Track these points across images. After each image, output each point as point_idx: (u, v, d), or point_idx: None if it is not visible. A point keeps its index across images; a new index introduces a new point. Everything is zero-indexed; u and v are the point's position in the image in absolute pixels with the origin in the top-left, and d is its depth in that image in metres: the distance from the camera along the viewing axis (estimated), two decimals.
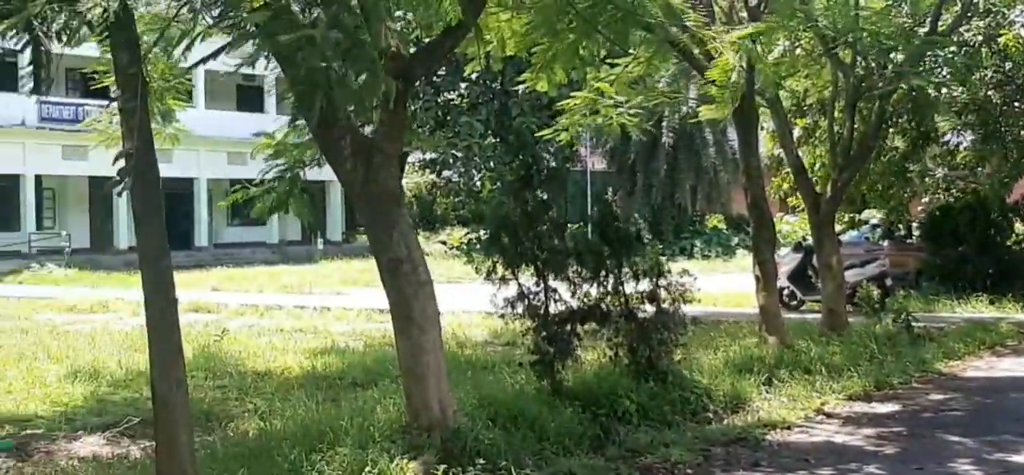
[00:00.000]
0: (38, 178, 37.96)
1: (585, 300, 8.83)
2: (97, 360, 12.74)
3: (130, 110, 5.35)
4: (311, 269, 33.31)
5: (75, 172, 37.66)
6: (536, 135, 11.08)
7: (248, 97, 42.63)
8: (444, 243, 42.72)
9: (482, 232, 40.65)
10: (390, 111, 6.67)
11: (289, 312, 19.31)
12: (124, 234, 39.10)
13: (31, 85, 5.84)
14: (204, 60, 5.76)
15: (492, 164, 41.79)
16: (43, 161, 36.75)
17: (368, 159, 6.81)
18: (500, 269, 8.38)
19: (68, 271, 32.16)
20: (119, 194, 5.45)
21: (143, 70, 5.74)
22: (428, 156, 43.25)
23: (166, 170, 6.66)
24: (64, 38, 5.40)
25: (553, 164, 9.33)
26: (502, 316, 8.71)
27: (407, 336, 7.23)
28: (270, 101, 38.55)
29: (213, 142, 39.16)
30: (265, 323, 17.57)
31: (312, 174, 8.26)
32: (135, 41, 5.50)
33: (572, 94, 12.62)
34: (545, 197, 8.33)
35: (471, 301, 17.57)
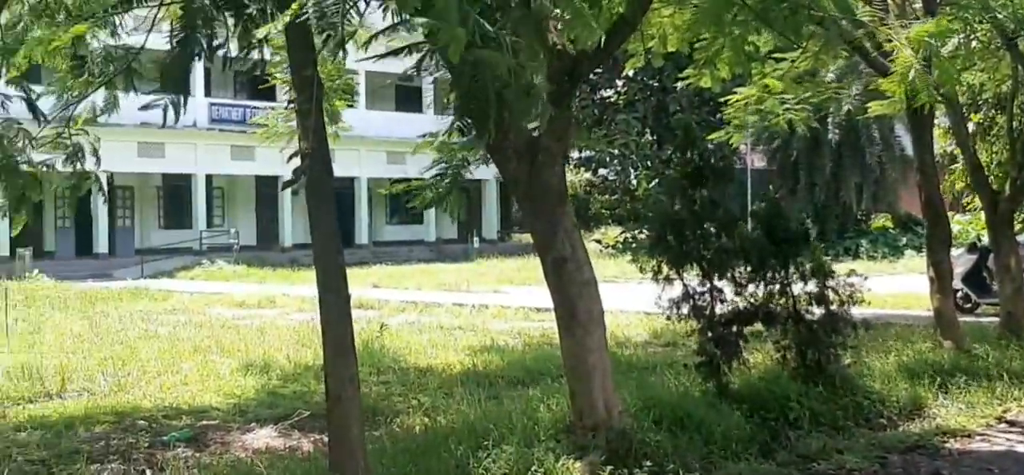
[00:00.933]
0: (209, 178, 39.71)
1: (751, 301, 8.64)
2: (267, 354, 13.23)
3: (306, 111, 5.50)
4: (467, 267, 33.78)
5: (243, 171, 39.26)
6: (705, 137, 10.91)
7: (407, 97, 43.55)
8: (599, 242, 42.63)
9: (638, 231, 40.50)
10: (556, 108, 6.68)
11: (448, 309, 19.62)
12: (289, 232, 40.52)
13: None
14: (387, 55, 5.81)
15: (649, 162, 41.49)
16: (213, 161, 38.42)
17: (533, 157, 6.83)
18: (665, 269, 8.28)
19: (236, 267, 33.55)
20: (295, 193, 5.63)
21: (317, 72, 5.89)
22: (584, 154, 43.26)
23: None
24: (244, 43, 5.58)
25: (721, 160, 9.13)
26: (667, 317, 8.61)
27: (571, 335, 7.22)
28: (429, 100, 39.31)
29: (373, 142, 40.16)
30: (425, 320, 17.90)
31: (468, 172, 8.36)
32: (311, 44, 5.65)
33: (736, 90, 12.37)
34: (713, 195, 8.19)
35: (628, 300, 17.47)
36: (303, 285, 26.04)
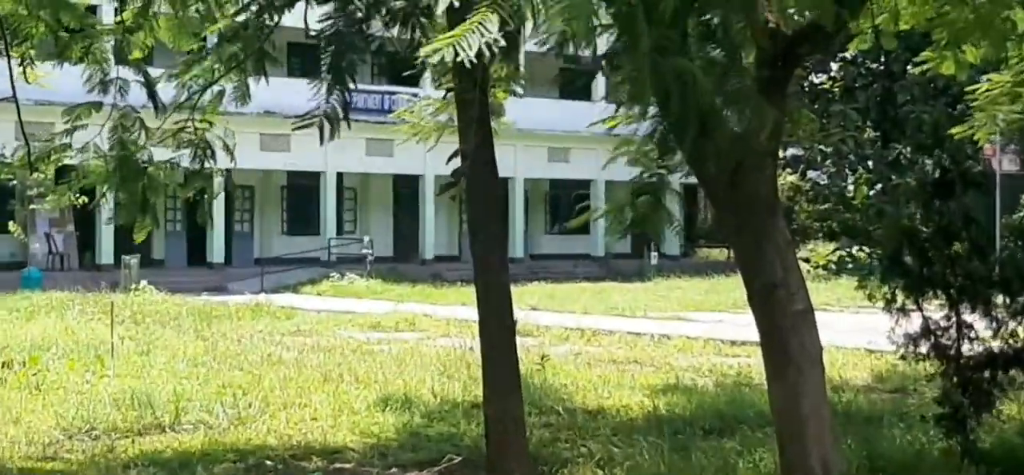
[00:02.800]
0: (339, 176, 40.77)
1: (1010, 340, 8.33)
2: (408, 385, 13.49)
3: (469, 101, 5.60)
4: (643, 288, 33.67)
5: (379, 170, 40.15)
6: (949, 133, 10.60)
7: (572, 82, 43.77)
8: (807, 261, 41.83)
9: (855, 248, 39.51)
10: (769, 99, 6.58)
11: (620, 339, 19.60)
12: (430, 242, 41.26)
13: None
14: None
15: (870, 164, 40.48)
16: (345, 157, 39.30)
17: (737, 159, 6.75)
18: (900, 297, 8.08)
19: (370, 282, 34.38)
20: (453, 197, 5.73)
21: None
22: (788, 152, 42.57)
23: None
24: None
25: (976, 166, 8.86)
26: (901, 356, 8.39)
27: (782, 377, 7.10)
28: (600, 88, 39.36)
29: (532, 136, 40.23)
30: (593, 351, 17.93)
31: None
32: None
33: (983, 77, 11.96)
34: (964, 207, 7.95)
35: (844, 334, 17.06)
36: (447, 305, 26.48)
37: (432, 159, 36.00)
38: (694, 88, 4.58)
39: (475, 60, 4.05)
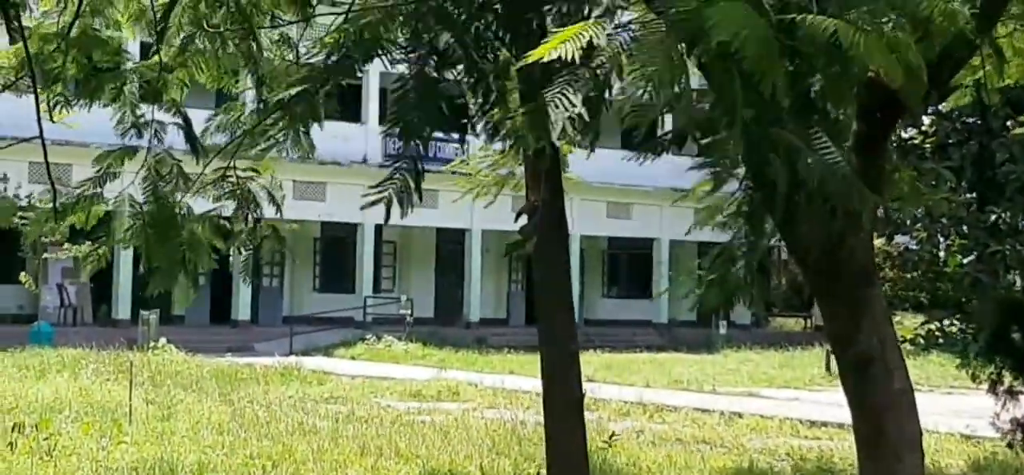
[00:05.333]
0: (378, 229, 40.92)
1: None
2: (453, 462, 13.52)
3: (537, 153, 5.66)
4: (711, 360, 33.53)
5: (421, 223, 40.26)
6: None
7: (635, 131, 43.83)
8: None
9: (948, 322, 39.15)
10: (866, 155, 6.61)
11: (687, 416, 19.54)
12: (476, 303, 41.31)
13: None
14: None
15: (966, 228, 40.13)
16: (384, 209, 39.55)
17: (830, 221, 6.76)
18: (1008, 378, 8.03)
19: (409, 345, 34.42)
20: (518, 256, 5.77)
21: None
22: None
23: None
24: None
25: None
26: (1008, 444, 8.33)
27: (876, 461, 7.08)
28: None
29: (589, 189, 40.27)
30: (657, 428, 17.88)
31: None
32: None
33: None
34: None
35: (937, 416, 16.90)
36: (494, 373, 26.50)
37: (479, 213, 36.39)
38: (792, 161, 4.61)
39: (557, 142, 4.12)
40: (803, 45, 4.70)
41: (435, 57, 5.91)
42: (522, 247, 5.78)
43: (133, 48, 9.71)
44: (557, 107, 4.36)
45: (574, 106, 4.34)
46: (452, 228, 40.17)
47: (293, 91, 6.59)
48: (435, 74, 5.98)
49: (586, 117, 4.46)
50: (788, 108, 4.66)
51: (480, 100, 6.06)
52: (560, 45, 4.25)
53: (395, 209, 6.32)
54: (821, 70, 4.97)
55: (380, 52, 6.21)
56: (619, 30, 4.70)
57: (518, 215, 5.77)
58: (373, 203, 6.10)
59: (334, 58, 6.46)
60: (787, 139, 4.54)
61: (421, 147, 6.02)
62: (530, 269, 35.15)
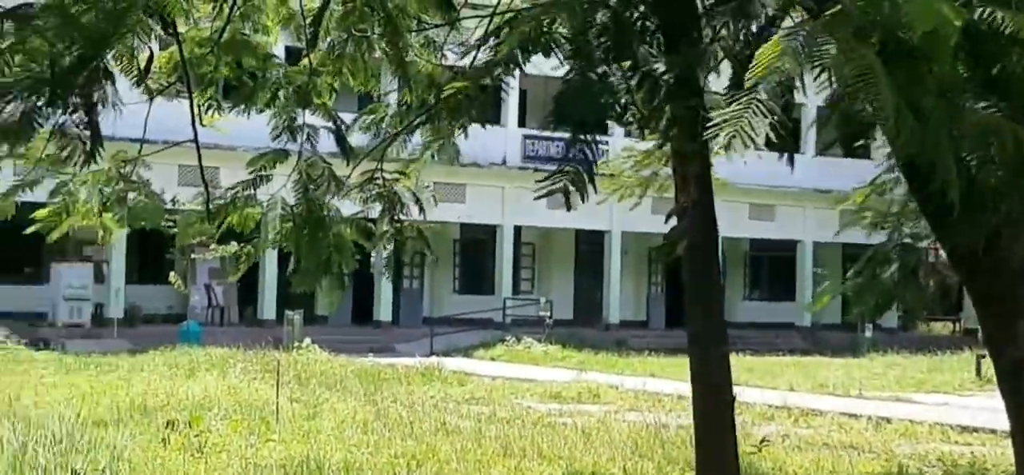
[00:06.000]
0: (517, 230, 41.12)
1: None
2: (597, 464, 13.52)
3: (689, 153, 5.63)
4: (856, 364, 33.01)
5: (561, 224, 40.34)
6: None
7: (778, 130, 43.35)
8: None
9: None
10: None
11: (833, 420, 19.27)
12: (615, 305, 41.25)
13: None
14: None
15: None
16: (524, 210, 39.63)
17: (988, 221, 6.61)
18: None
19: (548, 347, 34.50)
20: (668, 259, 5.75)
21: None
22: None
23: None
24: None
25: None
26: None
27: None
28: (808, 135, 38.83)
29: (731, 190, 39.79)
30: (802, 433, 17.65)
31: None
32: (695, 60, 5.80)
33: None
34: None
35: None
36: (634, 375, 26.40)
37: (618, 214, 36.31)
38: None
39: (758, 145, 4.09)
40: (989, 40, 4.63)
41: (599, 51, 5.88)
42: (672, 250, 5.75)
43: (278, 52, 9.86)
44: (757, 114, 4.33)
45: (774, 114, 4.31)
46: (591, 230, 40.15)
47: (449, 92, 6.60)
48: (600, 69, 5.95)
49: (786, 124, 4.42)
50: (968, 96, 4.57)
51: (644, 95, 6.03)
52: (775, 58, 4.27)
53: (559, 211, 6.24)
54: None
55: (542, 48, 6.18)
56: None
57: (668, 217, 5.75)
58: (548, 193, 6.06)
59: (495, 56, 6.46)
60: (991, 121, 4.42)
61: (590, 141, 5.96)
62: (670, 271, 35.20)
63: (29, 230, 8.90)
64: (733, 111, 4.45)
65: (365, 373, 24.71)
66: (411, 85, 8.38)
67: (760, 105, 4.42)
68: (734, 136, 4.37)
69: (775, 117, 4.38)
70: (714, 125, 4.38)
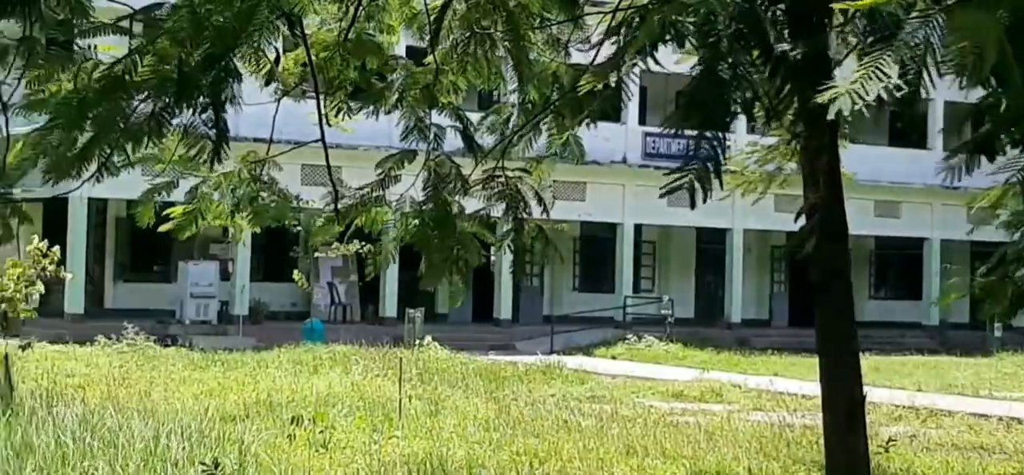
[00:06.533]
0: (637, 228, 41.03)
1: None
2: (721, 464, 13.43)
3: (817, 149, 5.59)
4: (986, 363, 32.43)
5: (681, 222, 40.18)
6: None
7: (898, 124, 42.65)
8: None
9: None
10: None
11: (962, 420, 18.96)
12: (738, 303, 40.96)
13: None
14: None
15: None
16: (644, 208, 39.57)
17: None
18: None
19: (669, 346, 34.41)
20: (799, 257, 5.71)
21: None
22: None
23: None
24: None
25: None
26: None
27: None
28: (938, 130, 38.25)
29: (857, 188, 39.19)
30: (931, 433, 17.38)
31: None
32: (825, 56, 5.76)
33: None
34: None
35: None
36: (757, 374, 26.18)
37: (740, 211, 36.01)
38: None
39: (873, 107, 4.04)
40: None
41: (726, 42, 5.84)
42: (801, 247, 5.71)
43: (399, 52, 9.96)
44: (872, 78, 4.27)
45: (889, 77, 4.25)
46: (713, 228, 39.89)
47: (575, 88, 6.62)
48: (729, 60, 5.90)
49: (904, 87, 4.32)
50: None
51: (774, 84, 5.97)
52: None
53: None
54: None
55: (669, 39, 6.16)
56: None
57: (797, 215, 5.71)
58: (673, 190, 6.02)
59: (622, 50, 6.46)
60: None
61: (717, 136, 5.90)
62: (794, 269, 34.66)
63: (163, 228, 9.12)
64: (852, 78, 4.37)
65: (486, 371, 24.84)
66: (535, 83, 8.41)
67: (878, 70, 4.33)
68: (846, 95, 4.27)
69: (890, 81, 4.28)
70: (826, 88, 4.30)
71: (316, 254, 33.05)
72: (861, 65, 4.36)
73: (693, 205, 5.98)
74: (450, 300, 8.50)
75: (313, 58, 8.22)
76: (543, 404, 19.47)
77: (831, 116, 4.20)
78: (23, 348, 17.69)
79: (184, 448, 12.18)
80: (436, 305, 37.65)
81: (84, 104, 6.78)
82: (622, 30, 7.08)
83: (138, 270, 38.21)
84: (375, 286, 36.83)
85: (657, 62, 6.11)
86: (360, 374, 22.87)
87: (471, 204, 8.90)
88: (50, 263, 17.45)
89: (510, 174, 8.30)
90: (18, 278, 17.03)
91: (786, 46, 5.79)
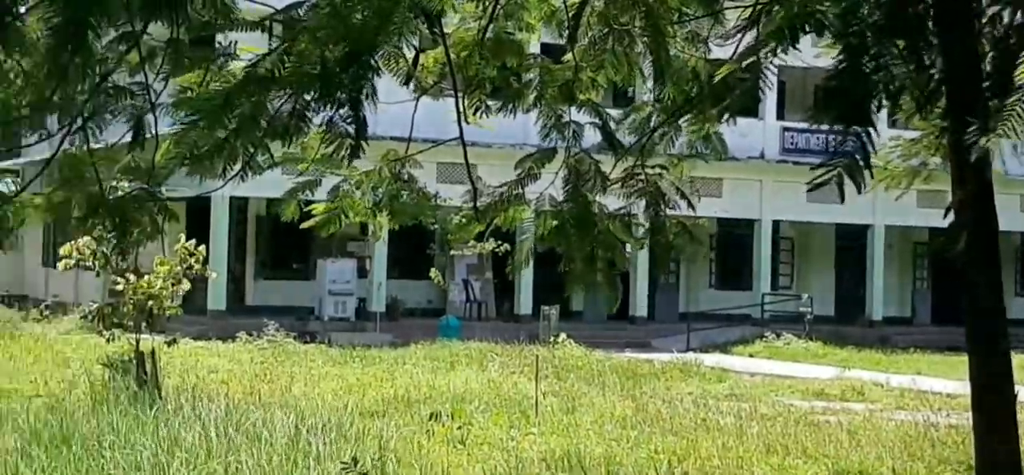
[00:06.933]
0: (775, 225, 40.61)
1: None
2: (864, 463, 13.28)
3: (967, 144, 5.45)
4: None
5: (821, 219, 39.66)
6: None
7: None
8: None
9: None
10: None
11: None
12: (879, 301, 40.31)
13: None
14: None
15: None
16: (782, 204, 39.17)
17: None
18: None
19: (809, 344, 34.05)
20: (948, 254, 5.61)
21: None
22: None
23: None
24: None
25: None
26: None
27: None
28: None
29: (1004, 182, 38.57)
30: None
31: None
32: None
33: None
34: None
35: None
36: (899, 373, 25.78)
37: (881, 207, 35.37)
38: None
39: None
40: None
41: (870, 33, 5.74)
42: (951, 245, 5.60)
43: (534, 49, 9.98)
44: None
45: None
46: (853, 224, 39.28)
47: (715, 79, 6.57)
48: (872, 51, 5.79)
49: None
50: None
51: (925, 80, 5.85)
52: None
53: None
54: None
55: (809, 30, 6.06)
56: None
57: (946, 211, 5.60)
58: (820, 184, 5.93)
59: (760, 38, 6.38)
60: None
61: (864, 130, 5.78)
62: (937, 266, 33.84)
63: (305, 225, 9.29)
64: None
65: (622, 368, 24.83)
66: (674, 79, 8.38)
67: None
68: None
69: None
70: (975, 130, 4.21)
71: (452, 252, 33.31)
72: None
73: (842, 199, 5.87)
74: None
75: (452, 57, 8.27)
76: (680, 402, 19.40)
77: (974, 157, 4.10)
78: (169, 344, 18.12)
79: (324, 443, 12.39)
80: (571, 303, 37.71)
81: (227, 102, 6.93)
82: (761, 20, 7.01)
83: (278, 268, 38.92)
84: (510, 283, 36.98)
85: (796, 47, 6.00)
86: (496, 371, 23.04)
87: (608, 203, 8.88)
88: (196, 261, 17.86)
89: (650, 172, 8.26)
90: (165, 276, 17.46)
91: (933, 40, 5.67)
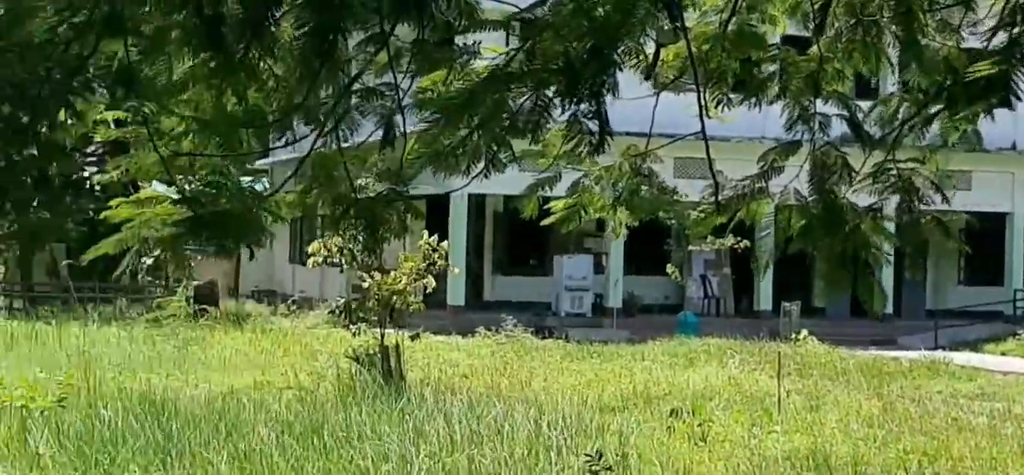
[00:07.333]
0: None
1: None
2: None
3: None
4: None
5: None
6: None
7: None
8: None
9: None
10: None
11: None
12: None
13: None
14: None
15: None
16: None
17: None
18: None
19: None
20: None
21: None
22: None
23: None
24: None
25: None
26: None
27: None
28: None
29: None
30: None
31: None
32: None
33: None
34: None
35: None
36: None
37: None
38: None
39: None
40: None
41: None
42: None
43: (774, 41, 9.84)
44: None
45: None
46: None
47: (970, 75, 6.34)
48: None
49: None
50: None
51: None
52: None
53: None
54: None
55: None
56: None
57: None
58: None
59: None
60: None
61: None
62: None
63: (545, 222, 9.39)
64: None
65: (867, 366, 24.29)
66: (924, 70, 8.13)
67: None
68: None
69: None
70: None
71: (689, 247, 33.16)
72: None
73: None
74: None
75: (693, 50, 8.21)
76: (929, 401, 18.90)
77: None
78: (412, 339, 18.57)
79: (565, 437, 12.48)
80: (812, 299, 37.06)
81: (471, 100, 7.05)
82: (1018, 15, 6.76)
83: (515, 264, 39.33)
84: (748, 279, 36.55)
85: None
86: (736, 368, 22.82)
87: (855, 200, 8.68)
88: (439, 258, 18.24)
89: (902, 165, 8.02)
90: (410, 272, 17.88)
91: None
